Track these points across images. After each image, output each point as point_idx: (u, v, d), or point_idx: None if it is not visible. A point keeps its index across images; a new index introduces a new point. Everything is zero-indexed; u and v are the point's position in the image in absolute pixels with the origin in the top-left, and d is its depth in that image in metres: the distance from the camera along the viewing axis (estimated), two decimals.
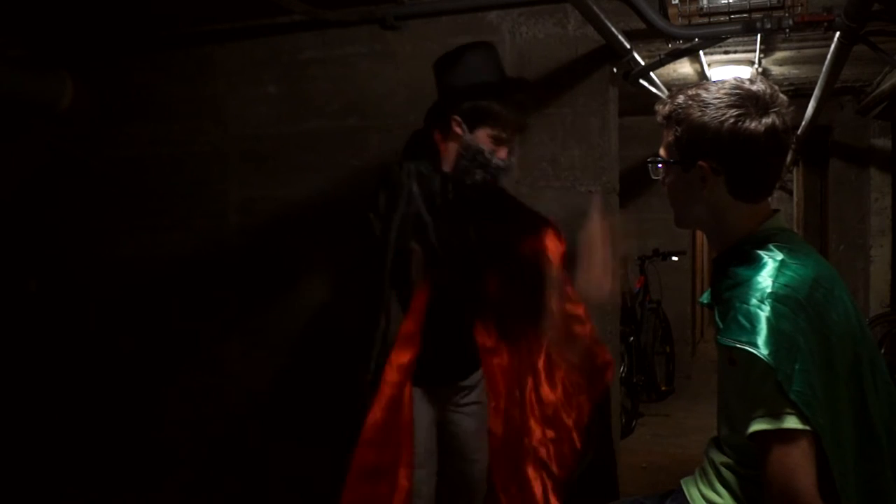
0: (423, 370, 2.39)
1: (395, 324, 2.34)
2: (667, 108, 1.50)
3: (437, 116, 2.45)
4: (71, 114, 3.61)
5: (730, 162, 1.44)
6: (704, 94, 1.45)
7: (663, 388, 6.26)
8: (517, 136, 2.46)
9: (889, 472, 1.43)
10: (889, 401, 1.46)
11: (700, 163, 1.45)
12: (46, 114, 3.60)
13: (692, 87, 1.49)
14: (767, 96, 1.43)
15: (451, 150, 2.40)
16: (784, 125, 1.44)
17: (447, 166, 2.39)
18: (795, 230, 8.11)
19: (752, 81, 1.45)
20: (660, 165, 1.55)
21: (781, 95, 1.45)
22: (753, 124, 1.41)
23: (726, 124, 1.41)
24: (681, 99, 1.48)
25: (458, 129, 2.36)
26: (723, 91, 1.44)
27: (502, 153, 2.38)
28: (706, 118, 1.43)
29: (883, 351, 5.15)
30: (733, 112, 1.41)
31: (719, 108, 1.42)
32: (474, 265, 2.42)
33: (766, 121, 1.42)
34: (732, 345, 1.34)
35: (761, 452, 1.33)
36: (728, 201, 1.48)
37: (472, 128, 2.36)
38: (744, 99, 1.42)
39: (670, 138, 1.50)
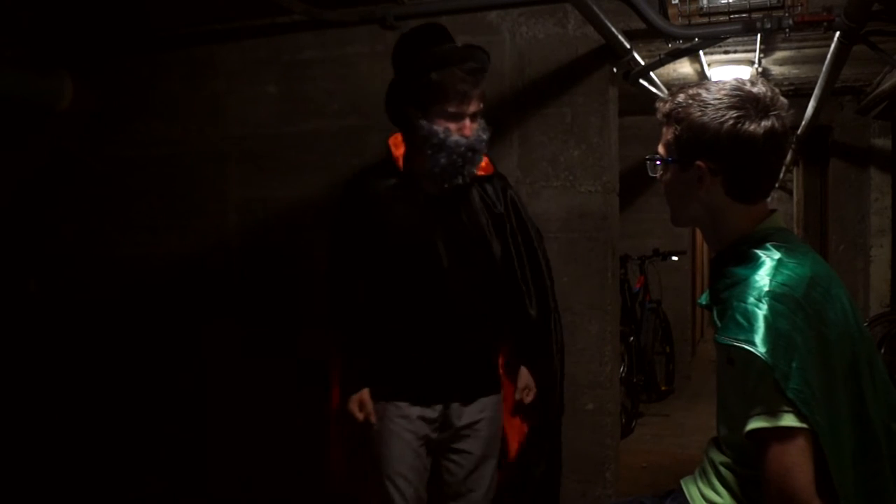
0: (410, 382, 2.28)
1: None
2: (667, 105, 1.50)
3: (395, 121, 2.33)
4: (71, 114, 3.61)
5: (727, 163, 1.44)
6: (705, 94, 1.45)
7: (663, 388, 6.26)
8: (479, 107, 2.22)
9: (888, 471, 1.42)
10: (887, 400, 1.46)
11: (698, 163, 1.45)
12: (46, 114, 3.60)
13: (693, 87, 1.49)
14: (768, 99, 1.43)
15: (413, 148, 2.26)
16: (783, 128, 1.45)
17: (410, 166, 2.29)
18: (795, 230, 8.14)
19: (752, 83, 1.45)
20: (658, 163, 1.55)
21: (782, 98, 1.46)
22: (752, 126, 1.41)
23: (725, 125, 1.41)
24: (681, 98, 1.48)
25: (415, 122, 2.19)
26: (723, 92, 1.44)
27: (464, 129, 2.17)
28: (706, 118, 1.43)
29: (883, 351, 5.14)
30: (733, 113, 1.41)
31: (719, 108, 1.42)
32: (477, 259, 2.32)
33: (766, 123, 1.42)
34: (730, 343, 1.34)
35: (759, 450, 1.33)
36: (725, 202, 1.48)
37: (425, 113, 2.17)
38: (744, 100, 1.42)
39: (669, 136, 1.50)
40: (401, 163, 2.31)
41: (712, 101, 1.43)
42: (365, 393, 2.30)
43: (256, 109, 3.41)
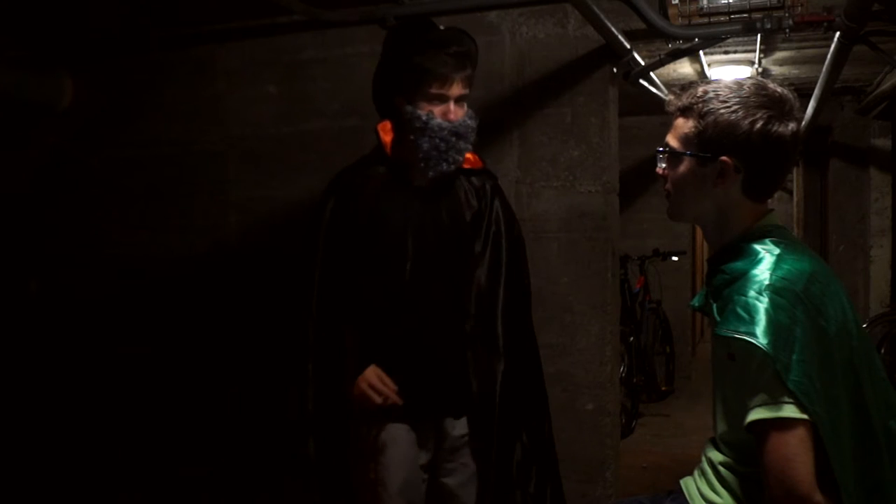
0: (408, 398, 2.15)
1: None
2: (686, 98, 1.49)
3: (382, 110, 2.27)
4: (71, 114, 3.61)
5: (754, 162, 1.45)
6: (728, 92, 1.45)
7: (663, 388, 6.27)
8: (466, 91, 2.15)
9: (887, 465, 1.43)
10: (885, 397, 1.46)
11: (723, 158, 1.45)
12: (46, 114, 3.60)
13: (708, 82, 1.49)
14: (790, 101, 1.45)
15: (400, 136, 2.19)
16: (801, 130, 1.47)
17: (398, 155, 2.20)
18: (795, 230, 8.14)
19: (771, 83, 1.47)
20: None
21: (797, 101, 1.48)
22: (781, 128, 1.43)
23: (757, 125, 1.42)
24: (700, 91, 1.47)
25: (401, 109, 2.14)
26: (750, 90, 1.44)
27: (448, 113, 2.11)
28: (736, 116, 1.43)
29: (883, 351, 5.15)
30: (763, 113, 1.42)
31: (749, 107, 1.43)
32: (453, 257, 2.21)
33: (792, 125, 1.44)
34: (731, 335, 1.35)
35: (759, 442, 1.34)
36: (737, 199, 1.49)
37: (410, 99, 2.13)
38: (772, 101, 1.44)
39: (688, 130, 1.49)
40: (389, 150, 2.24)
41: (740, 99, 1.43)
42: (373, 369, 2.15)
43: (256, 109, 3.41)
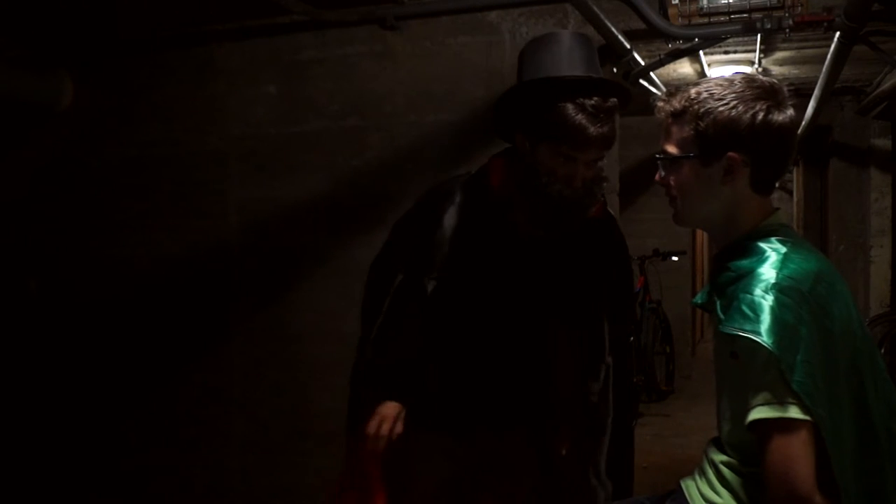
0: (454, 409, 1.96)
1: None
2: (679, 102, 1.49)
3: (504, 126, 1.96)
4: (71, 114, 3.61)
5: (760, 154, 1.45)
6: (721, 89, 1.45)
7: (663, 388, 6.27)
8: (602, 154, 1.86)
9: (888, 467, 1.43)
10: (887, 398, 1.46)
11: (730, 155, 1.45)
12: (46, 114, 3.60)
13: (698, 84, 1.49)
14: (782, 90, 1.46)
15: (514, 175, 1.89)
16: (796, 118, 1.48)
17: (507, 193, 1.91)
18: (795, 230, 8.13)
19: (759, 76, 1.48)
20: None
21: (786, 90, 1.49)
22: (781, 116, 1.43)
23: (758, 117, 1.42)
24: (693, 93, 1.47)
25: (520, 145, 1.86)
26: (741, 84, 1.45)
27: (574, 178, 1.81)
28: (735, 112, 1.42)
29: (883, 351, 5.14)
30: (761, 104, 1.42)
31: (746, 100, 1.43)
32: (547, 307, 1.98)
33: (790, 112, 1.45)
34: (735, 333, 1.34)
35: (761, 441, 1.33)
36: (745, 195, 1.49)
37: (534, 143, 1.82)
38: (766, 92, 1.44)
39: (686, 133, 1.48)
40: (497, 191, 1.95)
41: (735, 94, 1.43)
42: (392, 406, 1.93)
43: (256, 109, 3.41)
